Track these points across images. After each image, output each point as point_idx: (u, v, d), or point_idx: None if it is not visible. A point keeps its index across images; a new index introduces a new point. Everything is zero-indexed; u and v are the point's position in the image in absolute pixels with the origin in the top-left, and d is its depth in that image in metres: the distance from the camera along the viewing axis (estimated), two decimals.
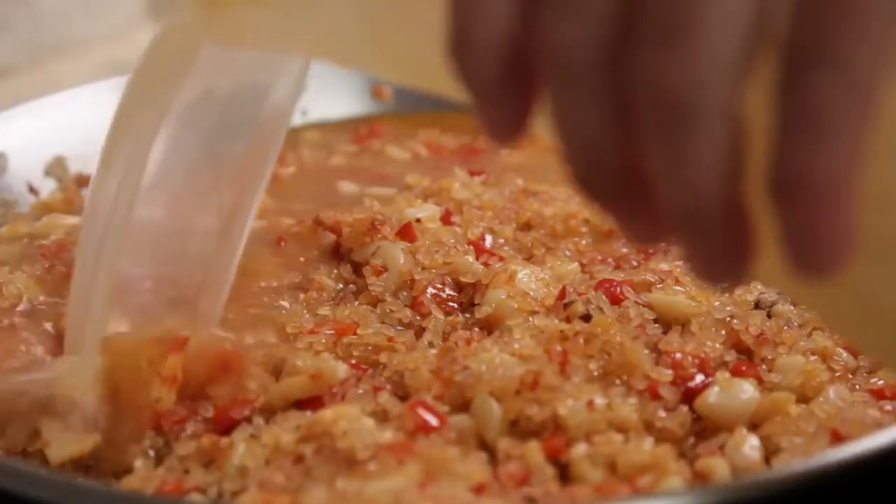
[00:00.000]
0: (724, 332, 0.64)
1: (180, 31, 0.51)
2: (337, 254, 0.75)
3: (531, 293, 0.68)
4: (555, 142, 0.39)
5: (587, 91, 0.38)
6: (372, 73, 0.46)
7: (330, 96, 1.06)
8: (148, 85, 0.53)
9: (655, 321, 0.65)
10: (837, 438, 0.57)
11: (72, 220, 0.82)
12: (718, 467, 0.56)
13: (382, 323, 0.67)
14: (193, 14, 0.50)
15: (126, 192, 0.53)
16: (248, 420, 0.60)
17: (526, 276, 0.69)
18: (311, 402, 0.61)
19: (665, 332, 0.64)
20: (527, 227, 0.78)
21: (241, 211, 0.56)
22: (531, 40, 0.39)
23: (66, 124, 0.95)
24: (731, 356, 0.63)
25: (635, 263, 0.74)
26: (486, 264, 0.71)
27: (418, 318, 0.68)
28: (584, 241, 0.76)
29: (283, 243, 0.77)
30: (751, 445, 0.57)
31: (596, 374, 0.61)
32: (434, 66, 0.41)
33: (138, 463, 0.58)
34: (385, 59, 0.45)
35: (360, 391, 0.61)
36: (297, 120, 1.04)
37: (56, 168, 0.92)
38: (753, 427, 0.59)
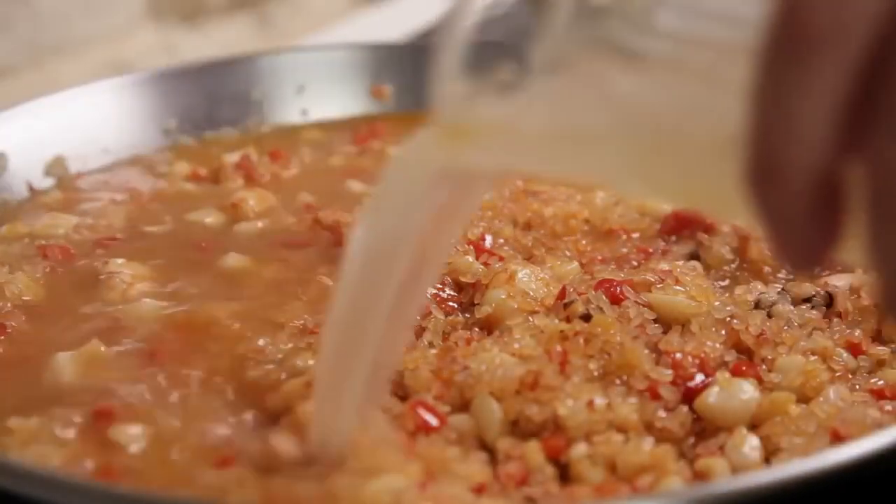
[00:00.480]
0: (724, 332, 0.64)
1: (419, 156, 0.50)
2: (337, 253, 0.75)
3: (531, 293, 0.68)
4: (869, 266, 0.37)
5: None
6: (635, 194, 0.44)
7: (330, 96, 1.06)
8: (392, 207, 0.51)
9: (655, 321, 0.65)
10: (837, 438, 0.57)
11: (72, 219, 0.83)
12: (718, 467, 0.56)
13: None
14: (433, 141, 0.49)
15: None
16: None
17: (526, 276, 0.69)
18: None
19: (665, 332, 0.64)
20: (527, 227, 0.78)
21: (409, 299, 0.53)
22: (849, 167, 0.36)
23: (66, 124, 0.95)
24: (731, 356, 0.63)
25: (635, 263, 0.74)
26: (486, 264, 0.71)
27: (418, 317, 0.68)
28: (584, 241, 0.76)
29: (284, 242, 0.78)
30: (751, 446, 0.57)
31: (596, 374, 0.61)
32: (707, 189, 0.40)
33: None
34: (652, 180, 0.43)
35: None
36: (297, 120, 1.04)
37: (56, 168, 0.92)
38: (753, 427, 0.59)
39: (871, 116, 0.35)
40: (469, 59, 0.45)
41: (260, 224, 0.82)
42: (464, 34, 0.45)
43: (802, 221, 0.37)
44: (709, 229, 0.77)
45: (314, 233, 0.78)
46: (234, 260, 0.76)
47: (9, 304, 0.71)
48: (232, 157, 0.92)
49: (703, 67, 0.40)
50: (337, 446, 0.55)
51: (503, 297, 0.67)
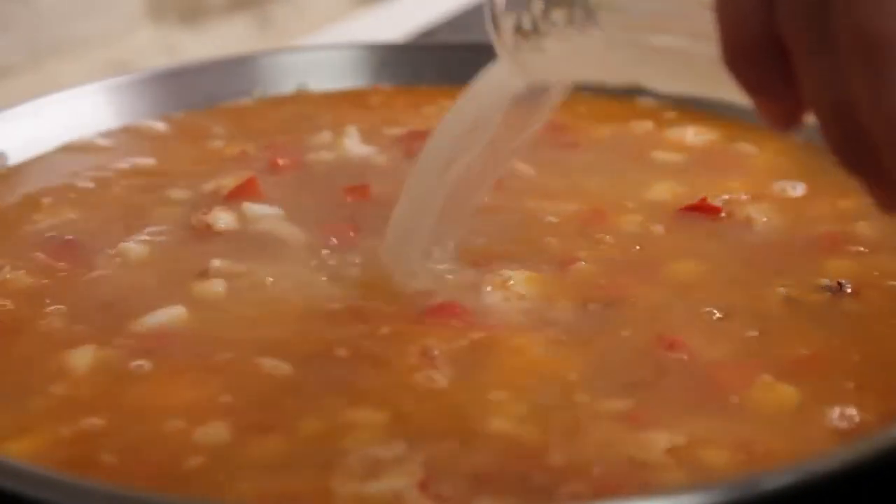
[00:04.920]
0: None
1: (497, 74, 0.63)
2: (336, 253, 0.75)
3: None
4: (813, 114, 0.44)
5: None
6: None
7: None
8: (471, 113, 0.65)
9: None
10: None
11: (72, 218, 0.83)
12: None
13: None
14: (505, 59, 0.60)
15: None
16: None
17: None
18: None
19: None
20: None
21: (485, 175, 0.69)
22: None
23: (66, 124, 0.95)
24: None
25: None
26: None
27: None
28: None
29: (283, 242, 0.78)
30: None
31: None
32: (711, 81, 0.48)
33: None
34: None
35: None
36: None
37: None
38: None
39: None
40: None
41: (261, 223, 0.82)
42: None
43: (770, 85, 0.45)
44: None
45: (312, 232, 0.79)
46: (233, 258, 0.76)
47: (10, 303, 0.71)
48: (232, 158, 0.92)
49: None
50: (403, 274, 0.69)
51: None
